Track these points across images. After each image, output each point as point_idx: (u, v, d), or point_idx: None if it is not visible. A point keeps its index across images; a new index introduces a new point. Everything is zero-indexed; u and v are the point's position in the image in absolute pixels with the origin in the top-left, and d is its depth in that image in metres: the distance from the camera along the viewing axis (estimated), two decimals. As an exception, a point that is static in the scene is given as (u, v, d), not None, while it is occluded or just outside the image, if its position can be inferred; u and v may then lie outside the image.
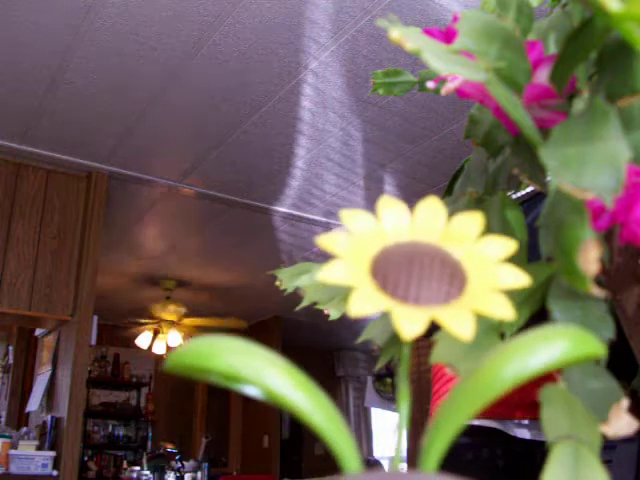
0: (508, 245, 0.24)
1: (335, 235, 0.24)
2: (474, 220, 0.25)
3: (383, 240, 0.24)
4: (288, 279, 0.49)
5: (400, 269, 0.23)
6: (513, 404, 1.06)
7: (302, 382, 0.22)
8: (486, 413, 1.07)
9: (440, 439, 0.22)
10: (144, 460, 5.56)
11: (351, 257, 0.23)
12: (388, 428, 7.23)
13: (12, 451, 2.91)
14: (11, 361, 5.27)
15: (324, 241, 0.23)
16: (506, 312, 0.22)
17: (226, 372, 0.22)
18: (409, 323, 0.21)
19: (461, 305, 0.22)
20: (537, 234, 0.35)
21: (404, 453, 4.28)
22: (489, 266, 0.24)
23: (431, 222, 0.25)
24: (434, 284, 0.23)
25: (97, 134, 3.06)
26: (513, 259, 0.42)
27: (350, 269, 0.23)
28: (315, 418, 0.22)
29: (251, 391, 0.22)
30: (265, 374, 0.22)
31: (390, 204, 0.26)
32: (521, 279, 0.23)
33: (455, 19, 0.39)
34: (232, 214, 3.92)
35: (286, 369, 0.22)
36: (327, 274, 0.22)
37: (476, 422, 1.09)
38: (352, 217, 0.25)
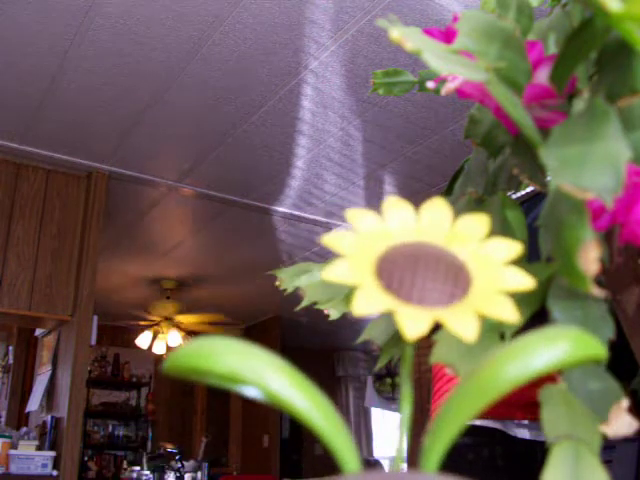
0: (513, 247, 0.24)
1: (340, 234, 0.24)
2: (480, 222, 0.25)
3: (388, 240, 0.24)
4: (288, 279, 0.49)
5: (405, 269, 0.23)
6: (513, 404, 1.06)
7: (301, 383, 0.22)
8: (487, 413, 1.07)
9: (441, 439, 0.22)
10: (144, 460, 5.56)
11: (356, 256, 0.23)
12: (388, 428, 7.23)
13: (12, 451, 2.91)
14: (11, 361, 5.27)
15: (329, 240, 0.23)
16: (510, 314, 0.22)
17: (225, 373, 0.22)
18: (413, 323, 0.21)
19: (465, 306, 0.22)
20: (537, 234, 0.35)
21: (405, 453, 4.28)
22: (494, 268, 0.24)
23: (437, 223, 0.25)
24: (438, 285, 0.23)
25: (97, 134, 3.06)
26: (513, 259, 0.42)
27: (354, 268, 0.23)
28: (314, 419, 0.22)
29: (250, 392, 0.22)
30: (264, 375, 0.22)
31: (396, 204, 0.26)
32: (525, 282, 0.23)
33: (455, 19, 0.39)
34: (232, 214, 3.92)
35: (285, 370, 0.22)
36: (331, 273, 0.22)
37: (477, 422, 1.09)
38: (358, 216, 0.25)
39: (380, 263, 0.23)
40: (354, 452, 0.22)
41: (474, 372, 0.22)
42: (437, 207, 0.26)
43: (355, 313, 0.21)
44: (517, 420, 1.08)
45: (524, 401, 1.02)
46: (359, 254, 0.23)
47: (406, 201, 0.26)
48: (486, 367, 0.22)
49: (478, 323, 0.22)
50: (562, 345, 0.22)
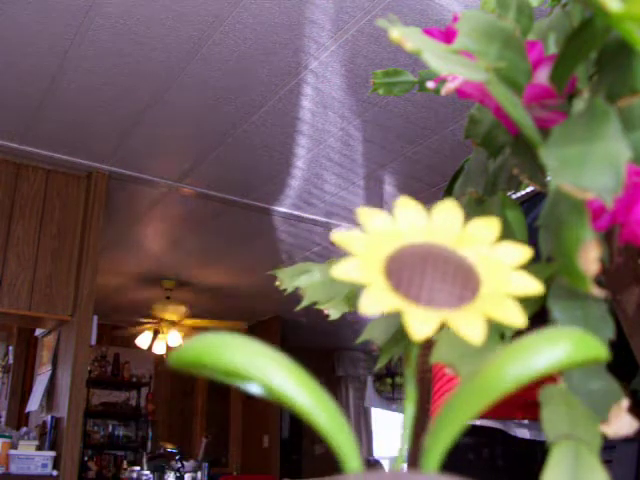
0: (523, 252, 0.24)
1: (350, 233, 0.24)
2: (490, 225, 0.25)
3: (398, 240, 0.24)
4: (288, 279, 0.49)
5: (414, 270, 0.23)
6: (513, 404, 1.06)
7: (305, 380, 0.22)
8: (487, 413, 1.07)
9: (442, 440, 0.22)
10: (144, 460, 5.56)
11: (365, 256, 0.23)
12: (388, 428, 7.23)
13: (12, 451, 2.91)
14: (11, 361, 5.27)
15: (339, 238, 0.23)
16: (518, 319, 0.22)
17: (229, 369, 0.22)
18: (420, 324, 0.21)
19: (473, 309, 0.22)
20: (537, 234, 0.35)
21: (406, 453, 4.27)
22: (503, 272, 0.24)
23: (447, 225, 0.25)
24: (447, 287, 0.23)
25: (97, 134, 3.06)
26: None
27: (364, 267, 0.23)
28: (317, 417, 0.22)
29: (253, 388, 0.22)
30: (268, 372, 0.22)
31: (406, 204, 0.26)
32: (534, 287, 0.23)
33: (455, 19, 0.39)
34: (232, 214, 3.92)
35: (289, 367, 0.22)
36: (341, 270, 0.22)
37: (477, 422, 1.09)
38: (368, 216, 0.25)
39: (389, 263, 0.23)
40: (356, 450, 0.22)
41: (476, 372, 0.22)
42: (447, 209, 0.26)
43: (362, 311, 0.21)
44: (517, 420, 1.08)
45: (524, 401, 1.02)
46: (369, 253, 0.23)
47: (416, 202, 0.26)
48: (488, 367, 0.22)
49: (485, 326, 0.22)
50: (563, 346, 0.22)
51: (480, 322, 0.22)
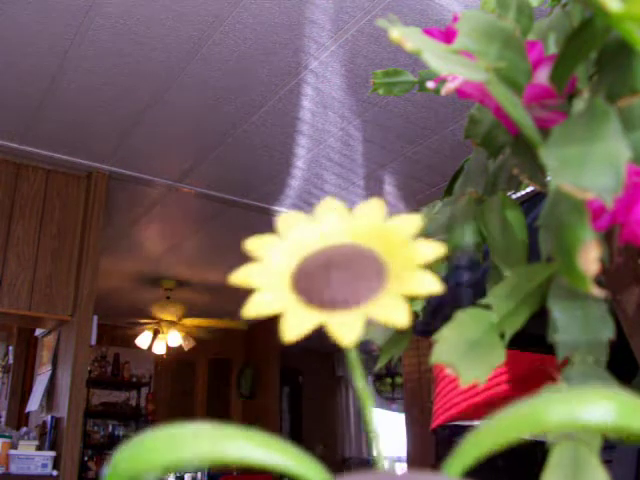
0: (414, 219, 0.24)
1: (246, 269, 0.23)
2: (375, 206, 0.25)
3: (296, 256, 0.24)
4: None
5: (319, 278, 0.23)
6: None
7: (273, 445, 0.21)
8: (484, 414, 1.07)
9: (466, 457, 0.22)
10: (144, 460, 5.55)
11: (269, 283, 0.23)
12: (388, 428, 7.23)
13: (12, 451, 2.91)
14: (11, 361, 5.27)
15: (238, 278, 0.23)
16: (433, 286, 0.22)
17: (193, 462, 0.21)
18: (346, 328, 0.21)
19: (389, 294, 0.22)
20: (537, 234, 0.35)
21: (406, 454, 4.28)
22: (404, 246, 0.23)
23: (336, 222, 0.25)
24: (356, 282, 0.22)
25: (97, 134, 3.06)
26: (513, 259, 0.42)
27: (272, 295, 0.22)
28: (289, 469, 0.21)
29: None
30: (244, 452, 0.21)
31: (290, 219, 0.25)
32: (437, 249, 0.23)
33: (455, 19, 0.39)
34: (232, 214, 3.92)
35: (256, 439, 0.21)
36: (252, 311, 0.22)
37: (476, 423, 1.08)
38: (257, 246, 0.24)
39: (295, 281, 0.23)
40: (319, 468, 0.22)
41: (521, 405, 0.22)
42: (332, 207, 0.26)
43: (287, 340, 0.21)
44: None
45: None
46: (271, 280, 0.23)
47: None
48: (532, 403, 0.22)
49: (407, 305, 0.21)
50: (611, 408, 0.21)
51: (400, 303, 0.21)
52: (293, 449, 0.21)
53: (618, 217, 0.33)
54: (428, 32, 0.41)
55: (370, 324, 0.21)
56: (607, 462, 0.84)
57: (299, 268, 0.24)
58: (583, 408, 0.21)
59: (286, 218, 0.25)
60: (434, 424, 1.04)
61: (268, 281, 0.23)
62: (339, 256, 0.24)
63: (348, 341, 0.21)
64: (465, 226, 0.45)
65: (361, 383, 0.23)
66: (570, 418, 0.21)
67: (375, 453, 0.24)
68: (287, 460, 0.21)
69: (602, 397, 0.21)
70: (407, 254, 0.23)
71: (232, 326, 5.77)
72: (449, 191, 0.55)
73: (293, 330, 0.21)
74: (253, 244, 0.24)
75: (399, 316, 0.21)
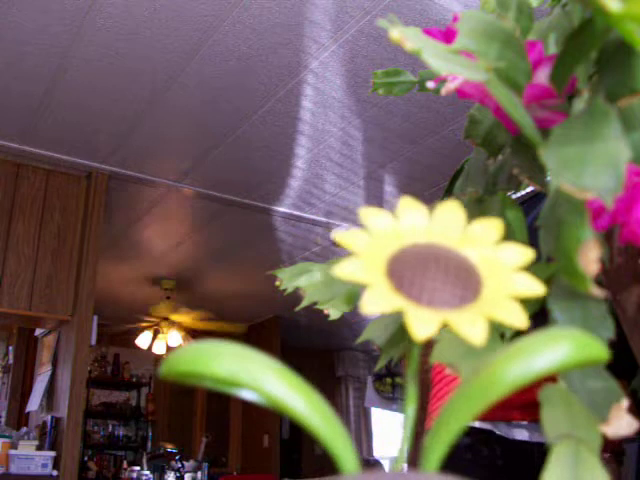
0: (526, 253, 0.24)
1: (353, 232, 0.24)
2: (493, 226, 0.25)
3: (400, 240, 0.24)
4: (288, 279, 0.49)
5: (416, 270, 0.23)
6: (510, 405, 1.06)
7: (299, 385, 0.22)
8: (483, 415, 1.06)
9: (441, 440, 0.22)
10: (144, 460, 5.56)
11: (367, 255, 0.23)
12: (388, 428, 7.23)
13: (12, 451, 2.91)
14: (11, 361, 5.26)
15: (341, 237, 0.23)
16: (519, 320, 0.22)
17: (222, 377, 0.21)
18: (421, 324, 0.21)
19: (474, 310, 0.22)
20: (537, 234, 0.35)
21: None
22: (505, 273, 0.24)
23: (449, 225, 0.25)
24: (449, 287, 0.23)
25: (97, 134, 3.06)
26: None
27: (366, 267, 0.23)
28: (312, 421, 0.22)
29: (248, 395, 0.22)
30: (259, 378, 0.22)
31: (410, 204, 0.26)
32: (536, 288, 0.23)
33: (455, 19, 0.39)
34: (232, 214, 3.92)
35: (282, 372, 0.22)
36: (343, 270, 0.22)
37: (475, 424, 1.08)
38: (371, 215, 0.25)
39: (391, 263, 0.23)
40: (353, 453, 0.22)
41: (475, 373, 0.22)
42: (450, 209, 0.26)
43: (364, 311, 0.21)
44: (515, 421, 1.08)
45: (522, 402, 1.02)
46: (371, 253, 0.23)
47: (418, 202, 0.26)
48: (487, 368, 0.22)
49: (486, 327, 0.22)
50: (564, 347, 0.22)
51: (481, 323, 0.22)
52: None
53: (618, 217, 0.33)
54: (428, 32, 0.41)
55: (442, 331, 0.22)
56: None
57: (399, 254, 0.24)
58: (536, 358, 0.22)
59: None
60: (429, 425, 1.04)
61: (366, 251, 0.23)
62: (441, 256, 0.24)
63: (419, 336, 0.21)
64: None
65: (412, 382, 0.24)
66: (527, 372, 0.21)
67: (397, 454, 0.24)
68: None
69: (552, 341, 0.22)
70: (506, 282, 0.23)
71: (232, 326, 5.77)
72: (449, 191, 0.55)
73: (372, 305, 0.21)
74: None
75: (475, 335, 0.21)
